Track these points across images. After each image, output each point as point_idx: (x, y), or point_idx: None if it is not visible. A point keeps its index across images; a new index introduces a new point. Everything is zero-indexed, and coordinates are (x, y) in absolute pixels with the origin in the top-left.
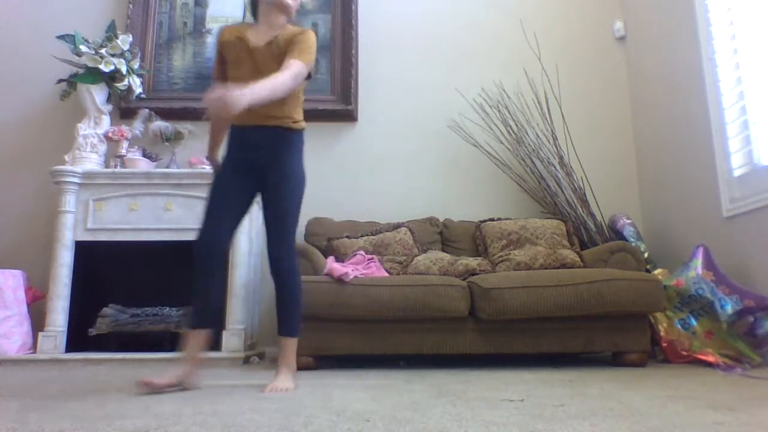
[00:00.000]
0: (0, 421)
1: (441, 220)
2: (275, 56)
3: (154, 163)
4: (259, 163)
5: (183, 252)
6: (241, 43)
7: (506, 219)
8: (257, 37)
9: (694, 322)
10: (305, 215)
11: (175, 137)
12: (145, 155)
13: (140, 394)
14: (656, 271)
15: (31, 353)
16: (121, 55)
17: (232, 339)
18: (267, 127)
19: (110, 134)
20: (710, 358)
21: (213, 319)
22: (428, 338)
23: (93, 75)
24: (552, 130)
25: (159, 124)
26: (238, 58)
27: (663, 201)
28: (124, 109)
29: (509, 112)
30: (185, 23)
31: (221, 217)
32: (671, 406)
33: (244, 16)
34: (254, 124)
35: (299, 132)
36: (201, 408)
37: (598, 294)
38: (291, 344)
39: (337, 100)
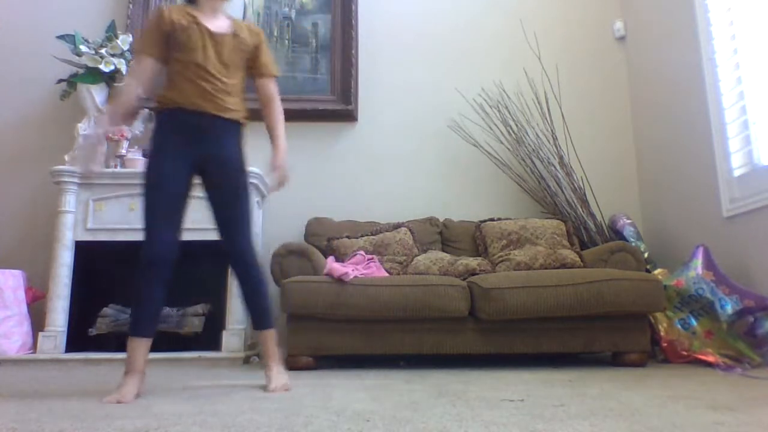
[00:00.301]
0: (0, 421)
1: (441, 220)
2: (242, 51)
3: None
4: (207, 153)
5: (183, 252)
6: (199, 28)
7: (506, 219)
8: (212, 24)
9: (694, 322)
10: (305, 215)
11: None
12: (145, 155)
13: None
14: (656, 271)
15: (31, 353)
16: (121, 55)
17: (232, 339)
18: (222, 118)
19: (110, 134)
20: (710, 358)
21: (156, 327)
22: (428, 338)
23: (93, 75)
24: (552, 130)
25: None
26: (200, 44)
27: (663, 201)
28: None
29: (509, 112)
30: None
31: (172, 216)
32: (671, 406)
33: (244, 16)
34: (210, 113)
35: (245, 126)
36: (201, 408)
37: (598, 294)
38: (271, 336)
39: (337, 100)
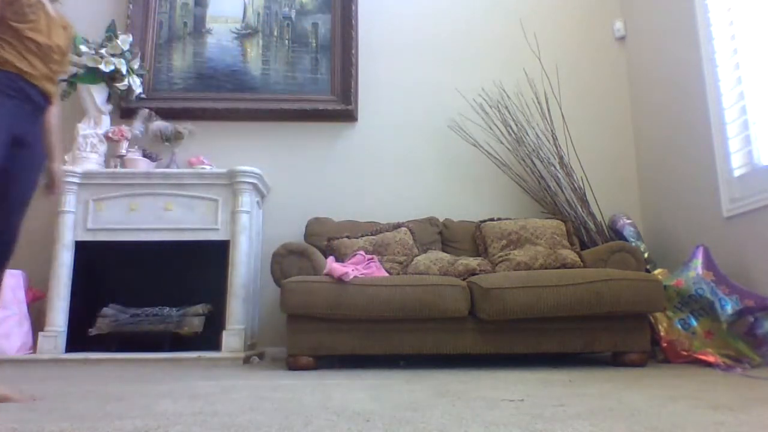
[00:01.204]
0: (0, 421)
1: (441, 220)
2: (69, 42)
3: (154, 163)
4: (25, 139)
5: (183, 252)
6: (44, 9)
7: (506, 219)
8: (51, 8)
9: (694, 322)
10: (305, 215)
11: (175, 137)
12: (145, 155)
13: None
14: (656, 271)
15: (31, 353)
16: (121, 55)
17: (232, 339)
18: (49, 106)
19: (110, 134)
20: (710, 358)
21: None
22: (428, 338)
23: (93, 75)
24: (552, 130)
25: (159, 124)
26: (45, 25)
27: (663, 201)
28: (124, 109)
29: (509, 112)
30: (185, 23)
31: None
32: (671, 406)
33: (244, 16)
34: (49, 97)
35: None
36: (201, 408)
37: (598, 294)
38: None
39: (337, 100)
